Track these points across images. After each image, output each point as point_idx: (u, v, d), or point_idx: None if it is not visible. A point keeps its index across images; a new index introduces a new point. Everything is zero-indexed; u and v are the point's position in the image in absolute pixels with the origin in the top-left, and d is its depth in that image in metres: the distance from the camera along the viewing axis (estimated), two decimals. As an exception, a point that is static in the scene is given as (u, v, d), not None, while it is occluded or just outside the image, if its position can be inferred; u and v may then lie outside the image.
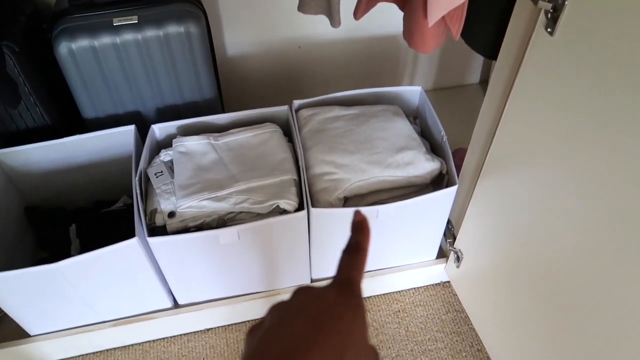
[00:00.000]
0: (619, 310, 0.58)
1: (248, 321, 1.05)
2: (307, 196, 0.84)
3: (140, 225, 0.81)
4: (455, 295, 1.07)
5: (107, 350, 1.01)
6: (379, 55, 1.33)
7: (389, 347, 1.00)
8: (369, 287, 1.06)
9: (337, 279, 0.32)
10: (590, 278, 0.62)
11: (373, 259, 1.01)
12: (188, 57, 0.94)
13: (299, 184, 0.88)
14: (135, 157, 0.90)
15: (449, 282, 1.08)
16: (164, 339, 1.03)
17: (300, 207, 0.85)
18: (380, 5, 0.85)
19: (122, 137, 0.96)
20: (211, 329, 1.04)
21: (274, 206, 0.85)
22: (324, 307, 0.28)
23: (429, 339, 1.01)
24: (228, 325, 1.04)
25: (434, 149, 0.97)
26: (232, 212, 0.85)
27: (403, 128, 0.95)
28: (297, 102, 1.02)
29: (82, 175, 1.01)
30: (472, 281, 0.97)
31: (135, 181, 0.86)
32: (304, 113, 1.00)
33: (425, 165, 0.89)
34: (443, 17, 0.73)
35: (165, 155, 0.93)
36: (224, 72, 1.21)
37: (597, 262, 0.60)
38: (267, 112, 0.99)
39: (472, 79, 1.48)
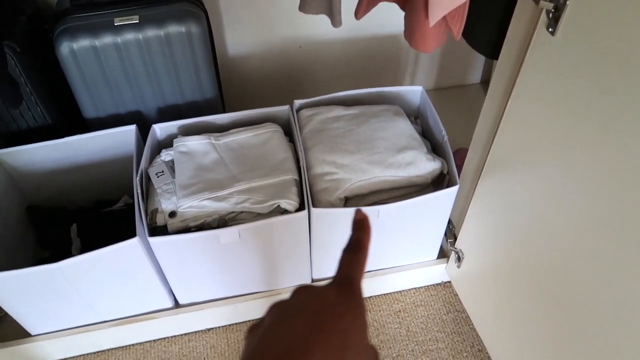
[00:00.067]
0: (619, 310, 0.58)
1: (249, 321, 1.05)
2: (307, 196, 0.84)
3: (141, 225, 0.81)
4: (456, 295, 1.06)
5: (108, 350, 1.01)
6: (380, 55, 1.33)
7: (390, 347, 1.00)
8: (370, 287, 1.06)
9: (337, 278, 0.31)
10: (591, 278, 0.61)
11: (374, 259, 1.01)
12: (189, 57, 0.94)
13: (299, 184, 0.88)
14: (136, 156, 0.90)
15: (449, 282, 1.08)
16: (164, 338, 1.03)
17: (301, 207, 0.85)
18: (381, 5, 0.85)
19: (123, 136, 0.96)
20: (212, 328, 1.04)
21: (275, 206, 0.84)
22: (324, 306, 0.28)
23: (429, 339, 1.01)
24: (229, 325, 1.04)
25: (435, 149, 0.97)
26: (233, 212, 0.85)
27: (404, 128, 0.95)
28: (297, 102, 1.02)
29: (83, 175, 1.01)
30: (473, 281, 0.97)
31: (136, 181, 0.86)
32: (305, 113, 1.00)
33: (426, 165, 0.89)
34: (444, 17, 0.73)
35: (166, 155, 0.93)
36: (225, 71, 1.21)
37: (598, 262, 0.60)
38: (268, 112, 0.99)
39: (474, 79, 1.48)
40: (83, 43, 0.88)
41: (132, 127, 0.95)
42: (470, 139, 0.86)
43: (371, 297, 1.08)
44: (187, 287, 0.95)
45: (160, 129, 0.96)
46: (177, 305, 0.99)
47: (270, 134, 0.95)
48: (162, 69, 0.95)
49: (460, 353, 0.99)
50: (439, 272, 1.07)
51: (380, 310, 1.06)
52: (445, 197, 0.89)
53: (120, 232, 0.79)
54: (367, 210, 0.84)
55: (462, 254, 0.96)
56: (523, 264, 0.77)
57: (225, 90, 1.16)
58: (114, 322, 0.96)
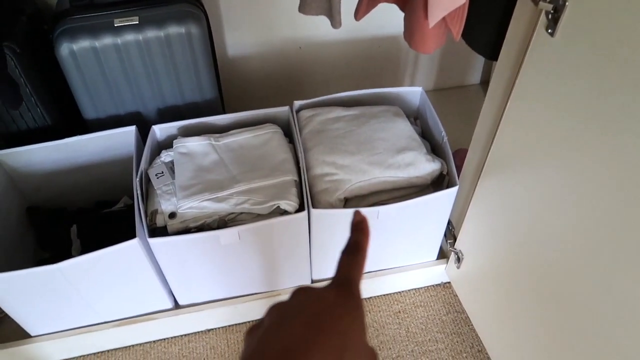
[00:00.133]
0: (618, 310, 0.58)
1: (249, 322, 1.05)
2: (307, 197, 0.84)
3: (141, 226, 0.81)
4: (456, 296, 1.07)
5: (108, 350, 1.01)
6: (380, 56, 1.33)
7: (390, 348, 1.00)
8: (370, 287, 1.06)
9: (336, 279, 0.32)
10: (591, 278, 0.61)
11: (374, 259, 1.01)
12: (189, 58, 0.95)
13: (299, 185, 0.88)
14: (136, 157, 0.90)
15: (449, 282, 1.08)
16: (164, 339, 1.03)
17: (300, 208, 0.85)
18: (380, 5, 0.85)
19: (123, 137, 0.96)
20: (212, 329, 1.04)
21: (275, 207, 0.85)
22: (323, 308, 0.28)
23: (429, 339, 1.01)
24: (229, 326, 1.04)
25: (435, 150, 0.97)
26: (232, 213, 0.85)
27: (404, 129, 0.95)
28: (297, 103, 1.02)
29: (83, 176, 1.01)
30: (472, 282, 0.97)
31: (136, 182, 0.86)
32: (305, 114, 1.00)
33: (425, 166, 0.89)
34: (444, 18, 0.73)
35: (166, 156, 0.94)
36: (225, 72, 1.21)
37: (597, 262, 0.60)
38: (267, 113, 1.00)
39: (473, 80, 1.48)
40: (83, 44, 0.88)
41: (132, 128, 0.95)
42: (469, 140, 0.86)
43: (371, 297, 1.08)
44: (187, 287, 0.95)
45: (160, 130, 0.97)
46: (177, 306, 0.99)
47: (270, 135, 0.95)
48: (162, 70, 0.95)
49: (460, 354, 0.99)
50: (439, 273, 1.07)
51: (380, 311, 1.06)
52: (445, 198, 0.89)
53: (120, 233, 0.79)
54: (366, 211, 0.84)
55: (462, 255, 0.96)
56: (522, 264, 0.77)
57: (225, 91, 1.16)
58: (113, 323, 0.96)
